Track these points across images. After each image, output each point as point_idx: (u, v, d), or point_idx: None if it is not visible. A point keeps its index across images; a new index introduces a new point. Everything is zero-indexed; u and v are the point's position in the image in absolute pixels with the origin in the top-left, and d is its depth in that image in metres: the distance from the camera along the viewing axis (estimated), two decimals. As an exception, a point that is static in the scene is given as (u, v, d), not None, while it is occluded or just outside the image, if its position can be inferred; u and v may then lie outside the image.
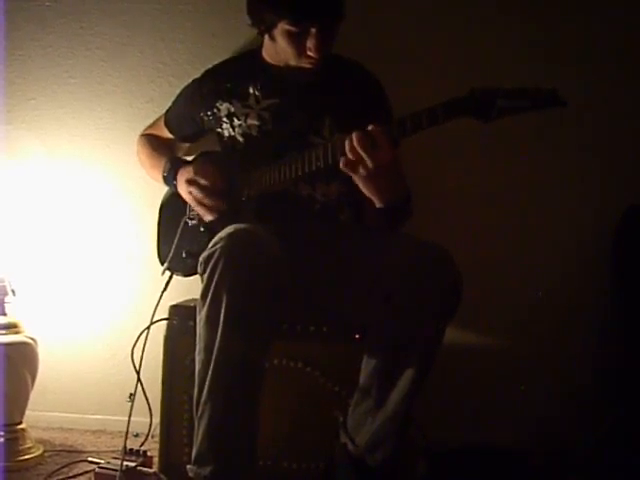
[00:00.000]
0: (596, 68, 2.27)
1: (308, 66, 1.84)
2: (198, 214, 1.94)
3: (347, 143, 1.58)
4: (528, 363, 2.30)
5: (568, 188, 2.31)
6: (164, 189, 2.11)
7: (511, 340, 2.32)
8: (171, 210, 2.07)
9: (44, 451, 2.15)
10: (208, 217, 1.89)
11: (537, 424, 2.25)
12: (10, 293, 2.14)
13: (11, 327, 2.12)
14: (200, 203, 1.88)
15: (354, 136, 1.57)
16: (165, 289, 1.92)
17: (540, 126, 2.18)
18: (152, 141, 2.19)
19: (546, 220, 2.32)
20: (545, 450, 2.17)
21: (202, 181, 1.88)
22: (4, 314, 2.13)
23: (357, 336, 1.84)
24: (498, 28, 2.29)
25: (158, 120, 2.21)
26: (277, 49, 1.86)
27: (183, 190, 1.94)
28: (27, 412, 2.16)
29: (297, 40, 1.78)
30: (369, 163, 1.57)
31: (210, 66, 2.07)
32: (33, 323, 2.21)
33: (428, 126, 1.55)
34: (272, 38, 1.84)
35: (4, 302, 2.13)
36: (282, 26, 1.77)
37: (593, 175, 2.30)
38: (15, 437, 2.09)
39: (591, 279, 2.30)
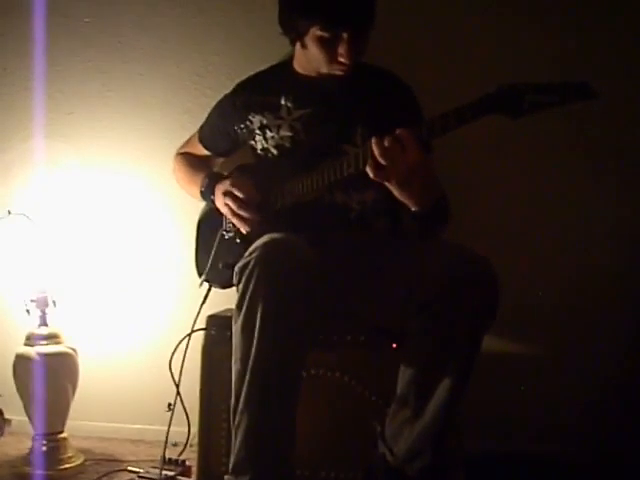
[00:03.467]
0: (628, 69, 2.22)
1: (339, 73, 1.83)
2: (234, 227, 1.95)
3: (377, 149, 1.57)
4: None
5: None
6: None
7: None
8: (209, 224, 2.07)
9: (85, 460, 2.18)
10: (243, 228, 1.91)
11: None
12: (51, 304, 2.17)
13: (52, 337, 2.15)
14: (235, 215, 1.89)
15: (386, 140, 1.56)
16: (204, 301, 1.94)
17: (565, 128, 2.17)
18: (188, 158, 2.20)
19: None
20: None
21: (237, 193, 1.89)
22: (45, 325, 2.17)
23: (394, 345, 1.83)
24: (526, 28, 2.25)
25: (192, 138, 2.21)
26: (308, 57, 1.86)
27: (220, 202, 1.95)
28: (68, 421, 2.19)
29: (328, 46, 1.78)
30: (401, 166, 1.56)
31: (242, 79, 2.07)
32: (73, 334, 2.24)
33: (457, 126, 1.53)
34: (303, 45, 1.84)
35: (45, 313, 2.17)
36: (314, 32, 1.77)
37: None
38: (56, 446, 2.13)
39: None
